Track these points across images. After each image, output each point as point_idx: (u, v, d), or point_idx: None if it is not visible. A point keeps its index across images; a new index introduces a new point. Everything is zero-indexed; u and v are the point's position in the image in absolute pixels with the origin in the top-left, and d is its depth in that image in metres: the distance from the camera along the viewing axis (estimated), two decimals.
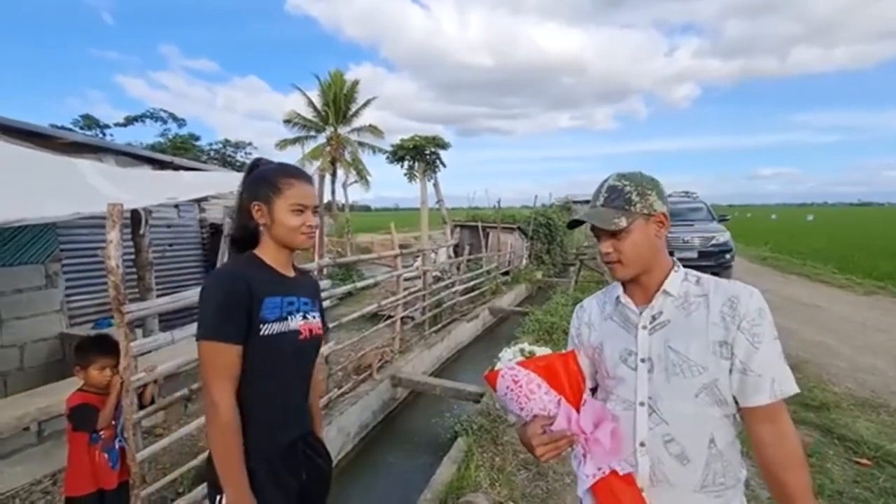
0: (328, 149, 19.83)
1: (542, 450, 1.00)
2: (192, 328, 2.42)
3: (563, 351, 1.16)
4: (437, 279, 8.03)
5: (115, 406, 2.10)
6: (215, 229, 6.57)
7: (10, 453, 3.17)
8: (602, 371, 1.13)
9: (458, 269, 9.56)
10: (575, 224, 1.17)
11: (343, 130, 20.31)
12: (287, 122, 20.23)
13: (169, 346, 2.43)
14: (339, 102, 19.75)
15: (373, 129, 20.45)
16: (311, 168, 19.23)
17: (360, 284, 6.05)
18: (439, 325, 6.97)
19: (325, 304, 3.86)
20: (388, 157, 15.97)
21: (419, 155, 14.63)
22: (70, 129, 20.65)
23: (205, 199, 5.62)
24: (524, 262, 13.09)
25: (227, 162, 27.28)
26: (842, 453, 3.13)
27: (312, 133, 20.63)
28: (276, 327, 1.23)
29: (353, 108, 20.31)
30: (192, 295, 2.49)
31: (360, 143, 20.70)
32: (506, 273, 11.57)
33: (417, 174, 14.88)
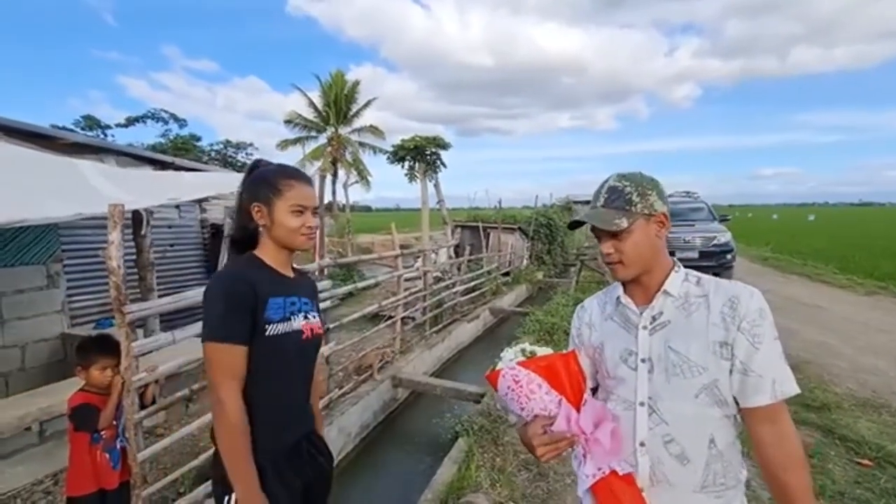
0: (329, 149, 19.84)
1: (543, 450, 1.00)
2: (194, 328, 2.44)
3: (564, 351, 1.16)
4: (438, 279, 8.03)
5: (116, 406, 2.11)
6: (216, 230, 6.58)
7: (11, 453, 3.17)
8: (602, 371, 1.13)
9: (459, 269, 9.56)
10: (576, 225, 1.17)
11: (344, 131, 20.32)
12: (288, 122, 20.24)
13: (170, 346, 2.43)
14: (339, 103, 19.76)
15: (373, 130, 20.45)
16: (312, 168, 19.24)
17: (360, 285, 6.06)
18: (440, 326, 6.97)
19: (326, 304, 3.88)
20: (388, 158, 15.98)
21: (420, 155, 14.63)
22: (71, 130, 20.69)
23: (206, 199, 5.63)
24: (525, 262, 13.09)
25: (228, 162, 27.29)
26: (843, 454, 3.13)
27: (313, 133, 20.64)
28: (280, 327, 1.24)
29: (354, 108, 20.31)
30: (193, 295, 2.49)
31: (361, 144, 20.71)
32: (506, 273, 11.57)
33: (418, 174, 14.88)
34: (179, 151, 22.91)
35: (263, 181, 1.28)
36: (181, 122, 29.58)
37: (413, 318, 6.64)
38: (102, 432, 2.09)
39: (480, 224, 12.90)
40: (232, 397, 1.15)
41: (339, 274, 10.59)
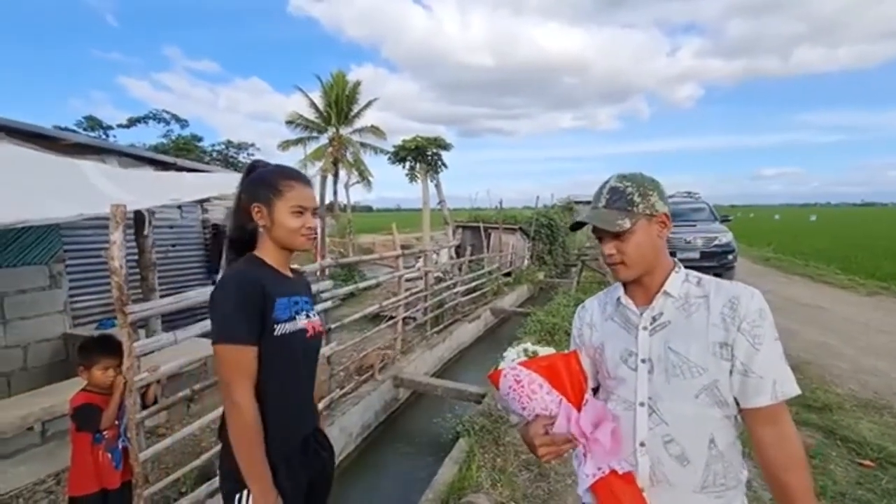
0: (330, 149, 19.86)
1: (544, 450, 1.01)
2: (195, 329, 2.45)
3: (566, 351, 1.17)
4: (439, 280, 8.03)
5: (118, 406, 2.11)
6: (218, 230, 6.59)
7: (13, 453, 3.18)
8: (603, 371, 1.13)
9: (460, 269, 9.56)
10: (577, 226, 1.17)
11: (345, 131, 20.34)
12: (289, 122, 20.27)
13: (172, 346, 2.43)
14: (340, 103, 19.78)
15: (375, 130, 20.47)
16: (314, 169, 19.28)
17: (362, 285, 6.05)
18: (441, 326, 6.97)
19: (327, 304, 3.89)
20: (389, 158, 16.00)
21: (421, 156, 14.65)
22: (73, 131, 20.73)
23: (207, 200, 5.64)
24: (526, 262, 13.08)
25: (229, 163, 27.32)
26: (844, 455, 3.12)
27: (314, 134, 20.65)
28: (287, 327, 1.26)
29: (355, 108, 20.33)
30: (194, 295, 2.50)
31: (362, 144, 20.72)
32: (507, 274, 11.57)
33: (419, 175, 14.89)
34: (181, 152, 22.94)
35: (263, 182, 1.29)
36: (183, 123, 29.64)
37: (414, 319, 6.64)
38: (104, 432, 2.10)
39: (481, 224, 12.90)
40: (246, 398, 1.17)
41: (341, 274, 10.60)
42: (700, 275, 1.08)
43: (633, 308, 1.08)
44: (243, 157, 29.16)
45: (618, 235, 1.02)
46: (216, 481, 2.62)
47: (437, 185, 15.22)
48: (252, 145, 30.73)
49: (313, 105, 20.16)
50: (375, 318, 5.84)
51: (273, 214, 1.26)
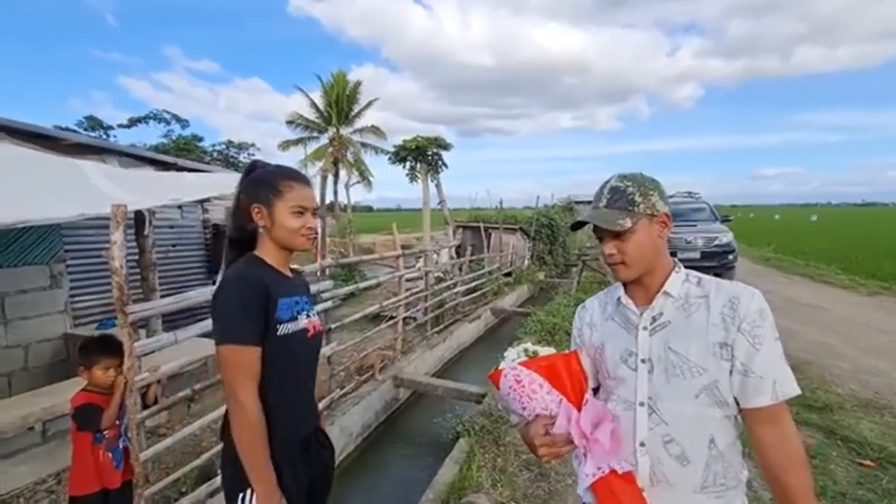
0: (331, 149, 19.87)
1: (544, 450, 1.01)
2: (196, 329, 2.45)
3: (566, 351, 1.17)
4: (439, 280, 8.03)
5: (119, 406, 2.11)
6: (218, 230, 6.60)
7: (14, 453, 3.18)
8: (603, 371, 1.13)
9: (460, 269, 9.56)
10: (578, 226, 1.17)
11: (345, 131, 20.34)
12: (290, 122, 20.27)
13: (172, 346, 2.44)
14: (341, 103, 19.78)
15: (375, 130, 20.47)
16: (314, 169, 19.29)
17: (362, 285, 6.06)
18: (441, 326, 6.97)
19: (328, 304, 3.89)
20: (390, 158, 16.00)
21: (421, 156, 14.65)
22: (74, 131, 20.74)
23: (208, 200, 5.64)
24: (526, 262, 13.08)
25: (230, 163, 27.34)
26: (845, 455, 3.12)
27: (315, 134, 20.66)
28: (290, 327, 1.27)
29: (356, 108, 20.33)
30: (195, 295, 2.50)
31: (363, 144, 20.73)
32: (508, 274, 11.56)
33: (419, 175, 14.89)
34: (181, 152, 22.96)
35: (263, 182, 1.29)
36: (183, 123, 29.66)
37: (414, 319, 6.65)
38: (105, 432, 2.10)
39: (482, 224, 12.89)
40: (251, 398, 1.17)
41: (341, 274, 10.60)
42: (700, 275, 1.07)
43: (633, 308, 1.08)
44: (244, 157, 29.19)
45: (618, 235, 1.02)
46: (216, 481, 2.63)
47: (438, 185, 15.22)
48: (252, 145, 30.77)
49: (314, 105, 20.17)
50: (376, 318, 5.84)
51: (273, 215, 1.26)
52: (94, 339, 2.23)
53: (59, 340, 4.62)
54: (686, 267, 1.09)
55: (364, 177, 21.01)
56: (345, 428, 3.91)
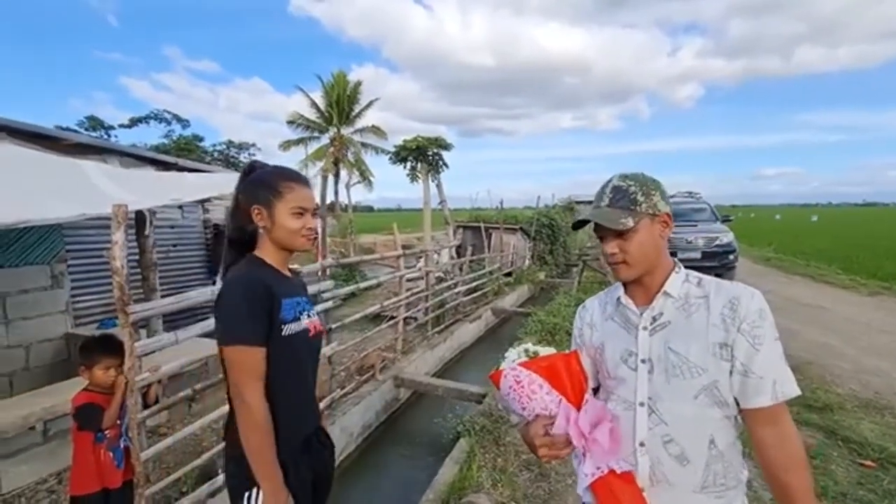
0: (331, 149, 19.90)
1: (544, 451, 1.01)
2: (196, 328, 2.45)
3: (566, 351, 1.17)
4: (440, 280, 8.03)
5: (119, 405, 2.12)
6: (218, 230, 6.60)
7: (15, 452, 3.19)
8: (603, 371, 1.13)
9: (461, 269, 9.56)
10: (580, 225, 1.17)
11: (346, 131, 20.37)
12: (290, 123, 20.30)
13: (173, 346, 2.44)
14: (342, 103, 19.81)
15: (375, 130, 20.50)
16: (315, 169, 19.30)
17: (363, 285, 6.06)
18: (442, 326, 6.98)
19: (328, 304, 3.89)
20: (390, 158, 16.01)
21: (422, 156, 14.66)
22: (75, 131, 20.76)
23: (208, 200, 5.65)
24: (527, 262, 13.08)
25: (230, 163, 27.37)
26: (846, 455, 3.12)
27: (316, 134, 20.70)
28: (293, 327, 1.28)
29: (356, 108, 20.36)
30: (196, 295, 2.50)
31: (363, 144, 20.75)
32: (508, 274, 11.56)
33: (420, 175, 14.90)
34: (182, 152, 22.99)
35: (263, 183, 1.29)
36: (184, 123, 29.71)
37: (415, 319, 6.65)
38: (106, 431, 2.10)
39: (482, 224, 12.89)
40: (258, 399, 1.18)
41: (342, 274, 10.60)
42: (700, 275, 1.07)
43: (633, 308, 1.08)
44: (244, 157, 29.22)
45: (620, 234, 1.02)
46: (217, 481, 2.63)
47: (438, 185, 15.23)
48: (253, 145, 30.80)
49: (314, 105, 20.20)
50: (376, 318, 5.84)
51: (273, 216, 1.27)
52: (95, 338, 2.23)
53: (60, 340, 4.62)
54: (687, 267, 1.09)
55: (365, 177, 21.04)
56: (345, 428, 3.91)
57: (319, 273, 3.77)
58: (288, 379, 1.28)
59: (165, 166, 5.75)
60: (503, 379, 1.08)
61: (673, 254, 1.09)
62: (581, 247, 17.12)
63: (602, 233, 1.06)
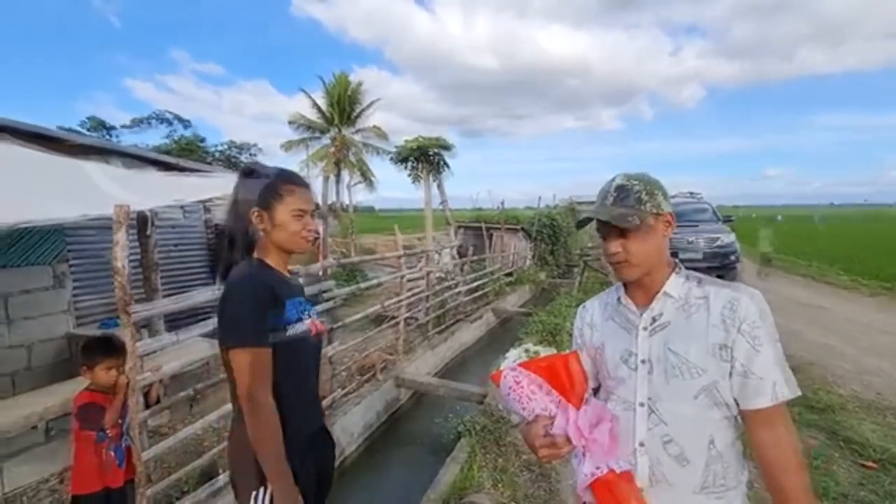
0: (333, 150, 19.91)
1: (545, 451, 1.01)
2: (198, 329, 2.46)
3: (566, 351, 1.17)
4: (441, 280, 8.03)
5: (121, 405, 2.13)
6: (220, 230, 6.61)
7: (17, 452, 3.19)
8: (603, 371, 1.13)
9: (462, 270, 9.56)
10: (583, 223, 1.17)
11: (348, 132, 20.39)
12: (292, 123, 20.33)
13: (174, 346, 2.45)
14: (343, 104, 19.84)
15: (377, 131, 20.51)
16: (316, 169, 19.32)
17: (364, 285, 6.06)
18: (443, 327, 6.98)
19: (329, 304, 3.90)
20: (392, 159, 16.04)
21: (423, 156, 14.67)
22: (77, 132, 20.80)
23: (210, 200, 5.65)
24: (528, 263, 13.08)
25: (232, 163, 27.34)
26: (847, 456, 3.11)
27: (317, 135, 20.72)
28: (297, 328, 1.29)
29: (358, 109, 20.38)
30: (197, 296, 2.51)
31: (365, 145, 20.77)
32: (509, 274, 11.55)
33: (422, 176, 14.91)
34: (184, 153, 22.99)
35: (262, 186, 1.29)
36: (186, 124, 29.68)
37: (416, 319, 6.65)
38: (108, 431, 2.11)
39: (483, 225, 12.89)
40: (268, 399, 1.19)
41: (343, 275, 10.60)
42: (701, 275, 1.07)
43: (633, 308, 1.08)
44: (246, 158, 29.18)
45: (623, 233, 1.01)
46: (218, 481, 2.64)
47: (440, 186, 15.24)
48: (255, 146, 30.76)
49: (316, 106, 20.22)
50: (377, 319, 5.85)
51: (274, 218, 1.27)
52: (97, 339, 2.24)
53: (62, 340, 4.63)
54: (688, 268, 1.09)
55: (366, 177, 21.06)
56: (346, 428, 3.92)
57: (320, 273, 3.77)
58: (292, 379, 1.29)
59: (167, 167, 5.76)
60: (503, 379, 1.08)
61: (674, 254, 1.09)
62: (582, 247, 17.10)
63: (605, 232, 1.05)
